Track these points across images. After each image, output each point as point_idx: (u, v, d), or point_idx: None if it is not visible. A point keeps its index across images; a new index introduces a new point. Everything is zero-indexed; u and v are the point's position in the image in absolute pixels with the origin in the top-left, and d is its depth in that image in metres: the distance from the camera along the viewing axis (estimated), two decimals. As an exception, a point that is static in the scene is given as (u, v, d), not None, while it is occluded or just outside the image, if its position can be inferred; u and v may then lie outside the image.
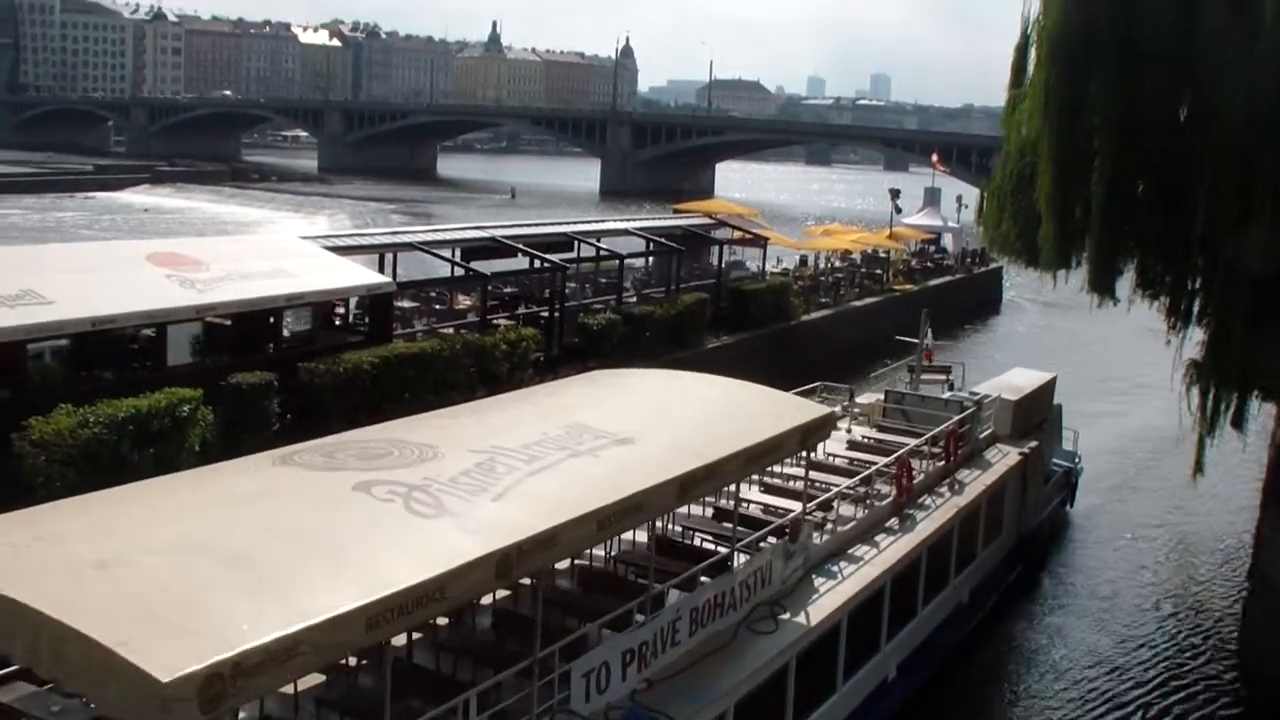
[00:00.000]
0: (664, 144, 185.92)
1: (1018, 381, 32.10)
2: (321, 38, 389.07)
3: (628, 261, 43.63)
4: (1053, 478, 32.65)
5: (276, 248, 32.82)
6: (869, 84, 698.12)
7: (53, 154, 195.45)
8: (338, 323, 34.11)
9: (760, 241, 53.29)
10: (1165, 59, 23.04)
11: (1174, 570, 32.78)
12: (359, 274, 32.22)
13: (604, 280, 44.23)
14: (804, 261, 61.60)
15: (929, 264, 70.61)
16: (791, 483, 22.57)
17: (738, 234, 52.67)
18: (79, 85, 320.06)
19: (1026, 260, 28.98)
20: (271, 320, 29.52)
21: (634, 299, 42.91)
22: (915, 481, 23.65)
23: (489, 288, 36.48)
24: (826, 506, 21.24)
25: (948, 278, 70.57)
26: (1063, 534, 34.06)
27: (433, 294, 39.79)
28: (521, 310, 38.47)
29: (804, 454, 20.38)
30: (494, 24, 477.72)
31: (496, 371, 32.26)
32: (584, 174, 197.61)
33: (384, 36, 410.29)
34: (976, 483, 25.77)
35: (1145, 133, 23.67)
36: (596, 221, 49.49)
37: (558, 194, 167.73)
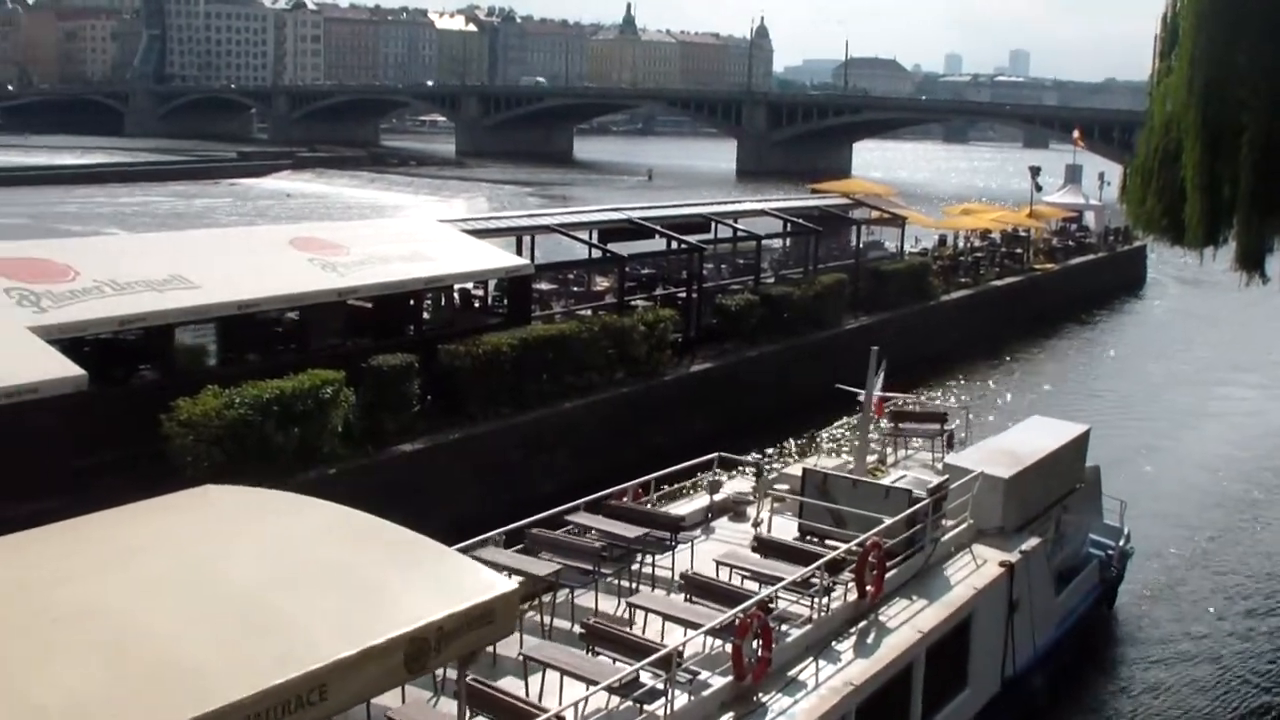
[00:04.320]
0: (800, 124, 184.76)
1: (1026, 443, 22.41)
2: (457, 23, 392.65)
3: (765, 242, 43.30)
4: (1080, 573, 22.81)
5: (416, 231, 33.08)
6: (1007, 60, 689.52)
7: (198, 142, 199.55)
8: (477, 305, 34.33)
9: (898, 221, 52.71)
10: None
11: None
12: (497, 256, 32.38)
13: (741, 261, 43.95)
14: (943, 241, 60.72)
15: (1070, 243, 69.30)
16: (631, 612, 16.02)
17: (875, 214, 52.09)
18: (222, 74, 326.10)
19: (1172, 238, 28.16)
20: (412, 303, 29.81)
21: (771, 280, 42.58)
22: (799, 634, 15.81)
23: (626, 269, 36.40)
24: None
25: (1090, 256, 69.20)
26: (1092, 660, 22.86)
27: (570, 276, 39.83)
28: (659, 292, 38.45)
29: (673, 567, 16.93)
30: (628, 6, 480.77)
31: (635, 353, 32.23)
32: (720, 155, 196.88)
33: (519, 20, 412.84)
34: (913, 624, 17.01)
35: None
36: (733, 202, 49.27)
37: (694, 175, 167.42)
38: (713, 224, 41.84)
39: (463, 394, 27.73)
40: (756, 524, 19.71)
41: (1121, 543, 24.76)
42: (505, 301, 33.42)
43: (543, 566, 16.31)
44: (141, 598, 9.54)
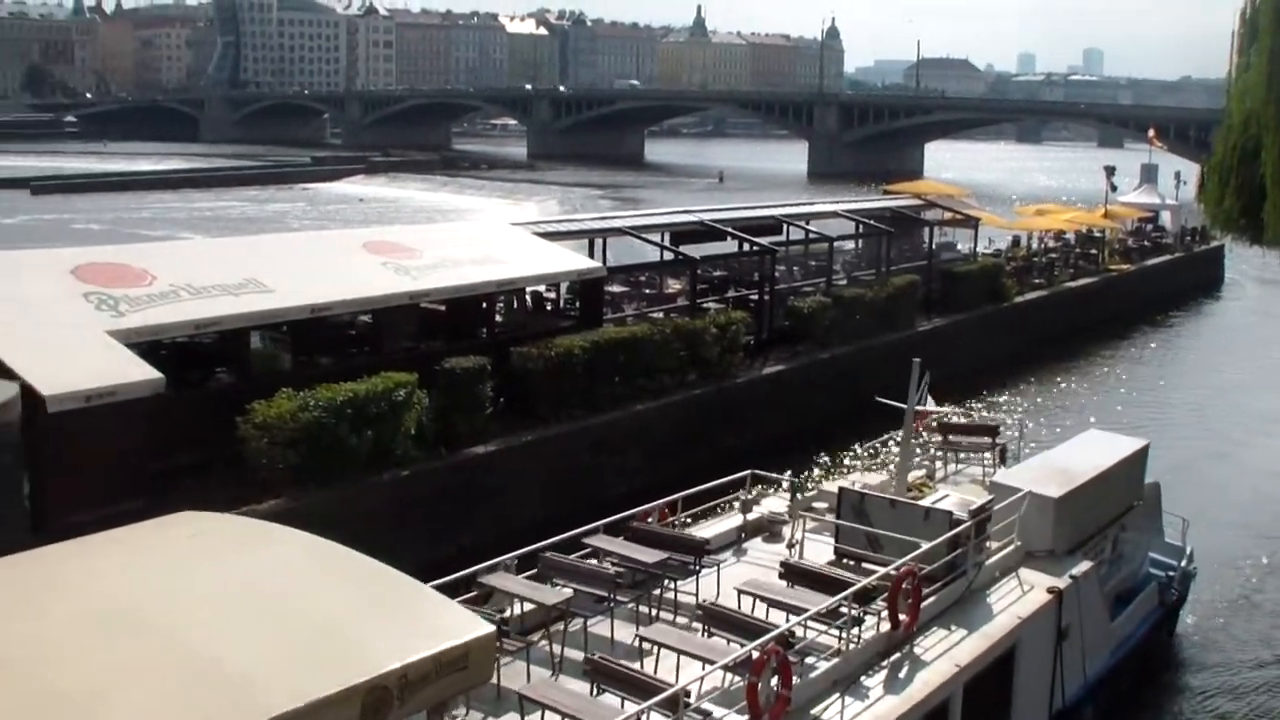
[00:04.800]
0: (871, 125, 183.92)
1: (1079, 459, 21.08)
2: (528, 27, 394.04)
3: (837, 244, 43.12)
4: (1137, 596, 21.49)
5: (488, 234, 33.20)
6: (1081, 59, 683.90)
7: (272, 147, 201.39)
8: (548, 308, 34.40)
9: (971, 222, 52.35)
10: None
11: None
12: (569, 259, 32.43)
13: (813, 263, 43.70)
14: (1016, 242, 60.25)
15: (1146, 243, 68.50)
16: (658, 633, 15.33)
17: (948, 215, 51.77)
18: (295, 80, 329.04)
19: (1251, 237, 27.72)
20: (484, 305, 29.88)
21: (844, 281, 42.42)
22: (825, 668, 14.76)
23: (698, 271, 36.33)
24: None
25: (1166, 257, 68.31)
26: (1149, 690, 21.51)
27: (642, 278, 39.79)
28: (731, 294, 38.34)
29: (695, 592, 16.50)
30: (698, 8, 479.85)
31: (706, 355, 32.17)
32: (791, 156, 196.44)
33: (589, 24, 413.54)
34: (950, 655, 15.95)
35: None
36: (805, 204, 49.06)
37: (765, 177, 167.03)
38: (784, 226, 41.66)
39: (534, 396, 27.77)
40: (791, 545, 18.55)
41: (1183, 563, 23.23)
42: (577, 304, 33.44)
43: (553, 594, 15.53)
44: (56, 645, 8.58)
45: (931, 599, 16.48)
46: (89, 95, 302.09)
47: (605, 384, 29.20)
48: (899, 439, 21.99)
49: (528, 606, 15.53)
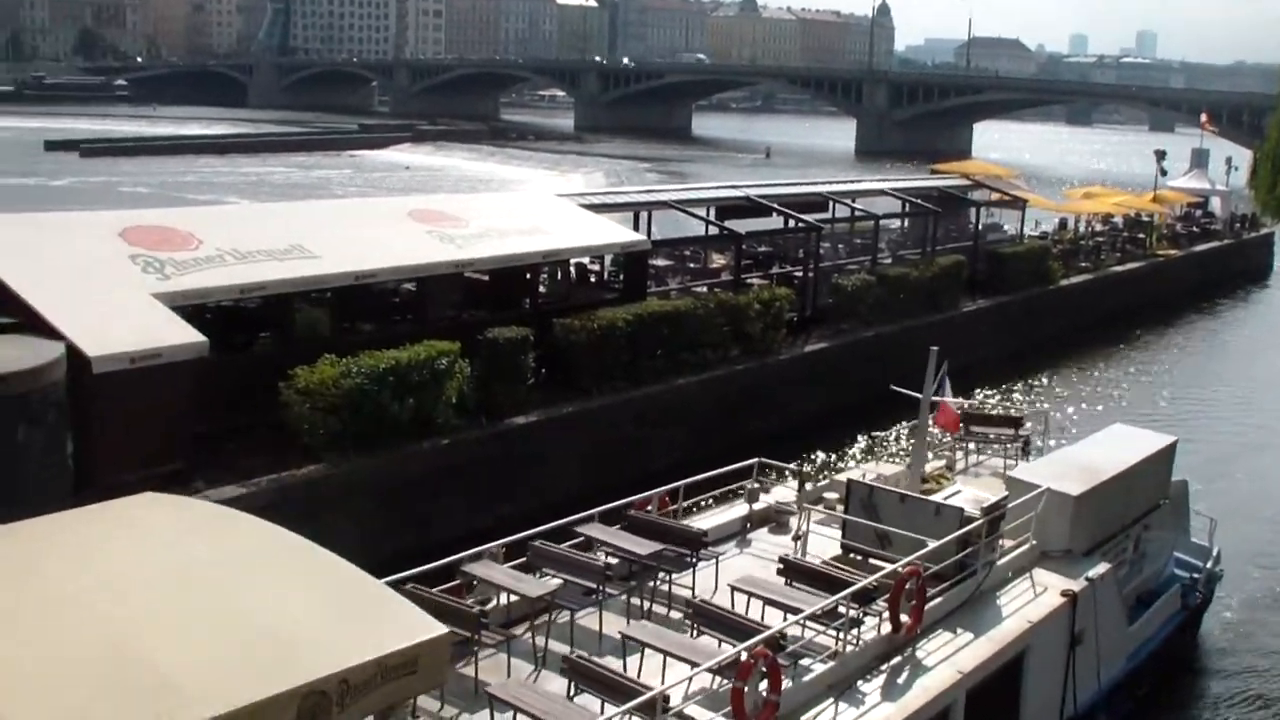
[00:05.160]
0: (921, 104, 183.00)
1: (1103, 455, 20.33)
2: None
3: (883, 222, 42.94)
4: (1160, 598, 20.69)
5: (534, 205, 33.21)
6: (1134, 41, 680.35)
7: (320, 114, 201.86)
8: (593, 280, 34.36)
9: (1019, 203, 51.99)
10: None
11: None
12: (614, 232, 32.41)
13: (859, 241, 43.51)
14: (1063, 225, 59.80)
15: (1195, 228, 67.82)
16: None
17: (995, 195, 51.41)
18: (344, 48, 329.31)
19: (1304, 225, 27.47)
20: (528, 276, 29.86)
21: (889, 260, 42.21)
22: (820, 671, 14.21)
23: (743, 247, 36.21)
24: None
25: (1215, 243, 67.60)
26: (1169, 696, 20.72)
27: (687, 252, 39.66)
28: (775, 270, 38.26)
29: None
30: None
31: (750, 330, 32.08)
32: (839, 134, 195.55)
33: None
34: (953, 661, 15.24)
35: None
36: (852, 181, 48.87)
37: (813, 153, 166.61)
38: (830, 203, 41.51)
39: (577, 368, 27.76)
40: (798, 537, 17.88)
41: (1210, 564, 22.41)
42: (621, 277, 33.38)
43: (538, 585, 14.99)
44: None
45: (938, 600, 15.88)
46: (139, 59, 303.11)
47: (648, 358, 29.14)
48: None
49: (513, 598, 14.96)
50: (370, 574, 9.92)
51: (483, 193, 68.27)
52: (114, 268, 21.89)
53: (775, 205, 38.06)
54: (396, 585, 12.77)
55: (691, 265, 39.00)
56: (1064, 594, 17.21)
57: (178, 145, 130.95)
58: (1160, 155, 70.49)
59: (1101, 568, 18.21)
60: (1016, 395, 38.38)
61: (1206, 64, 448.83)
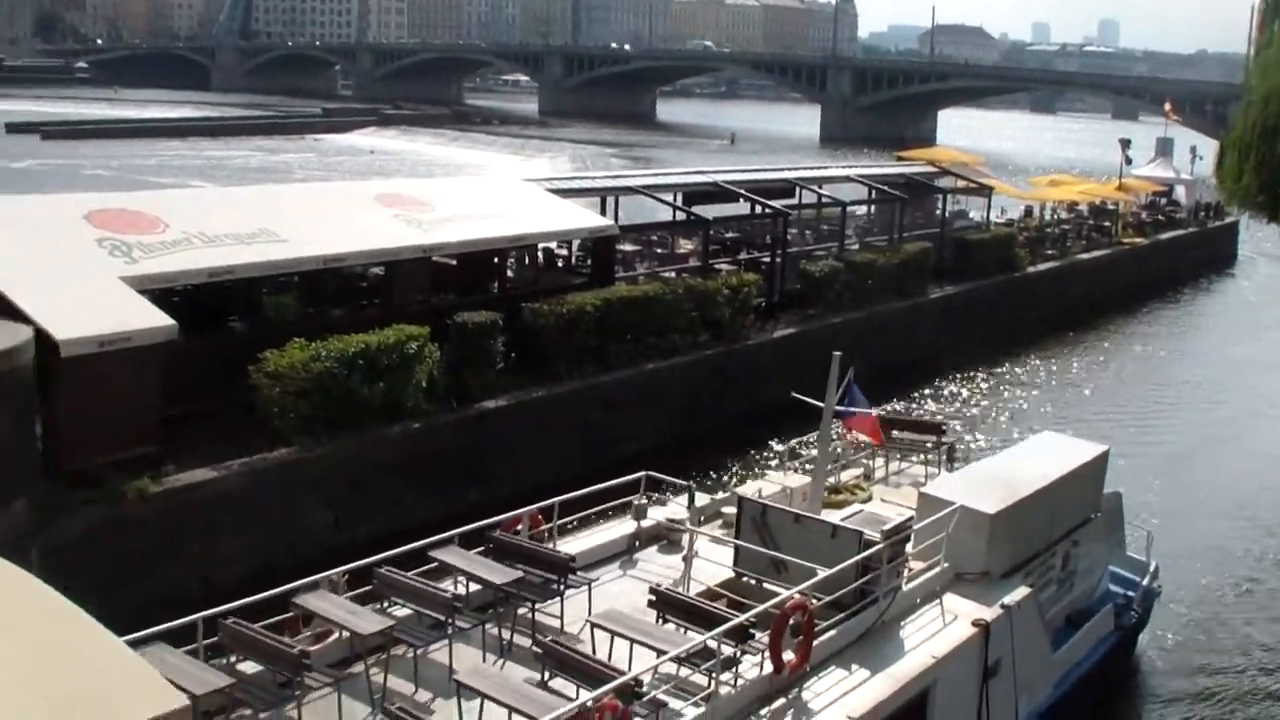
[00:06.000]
0: (885, 90, 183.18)
1: (1027, 467, 18.86)
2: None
3: (849, 209, 42.99)
4: (1091, 619, 19.23)
5: (500, 190, 33.18)
6: (1096, 29, 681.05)
7: (283, 98, 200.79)
8: (560, 265, 34.33)
9: (985, 191, 52.16)
10: None
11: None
12: (582, 217, 32.41)
13: (826, 227, 43.61)
14: (1029, 212, 60.07)
15: (1160, 217, 68.14)
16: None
17: (961, 183, 51.59)
18: (307, 31, 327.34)
19: (1269, 214, 27.61)
20: (496, 261, 29.86)
21: (856, 247, 42.28)
22: (691, 717, 12.68)
23: (711, 232, 36.23)
24: None
25: (1179, 231, 67.95)
26: (1104, 718, 19.72)
27: (654, 238, 39.63)
28: (743, 256, 38.27)
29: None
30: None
31: (718, 316, 32.11)
32: (804, 120, 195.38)
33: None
34: (844, 704, 13.68)
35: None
36: (819, 168, 49.02)
37: (777, 140, 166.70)
38: (797, 189, 41.59)
39: (546, 353, 27.75)
40: (687, 559, 16.32)
41: (1146, 580, 20.96)
42: (589, 262, 33.38)
43: (375, 620, 13.61)
44: None
45: (831, 633, 14.49)
46: (100, 41, 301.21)
47: (616, 342, 29.15)
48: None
49: (348, 634, 13.58)
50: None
51: (449, 177, 67.98)
52: (81, 251, 21.75)
53: (742, 191, 38.09)
54: (219, 619, 12.51)
55: (659, 251, 38.97)
56: (975, 623, 15.73)
57: (139, 128, 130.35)
58: (1125, 144, 70.76)
59: (1020, 592, 16.73)
60: (954, 389, 38.15)
61: (1169, 53, 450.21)
